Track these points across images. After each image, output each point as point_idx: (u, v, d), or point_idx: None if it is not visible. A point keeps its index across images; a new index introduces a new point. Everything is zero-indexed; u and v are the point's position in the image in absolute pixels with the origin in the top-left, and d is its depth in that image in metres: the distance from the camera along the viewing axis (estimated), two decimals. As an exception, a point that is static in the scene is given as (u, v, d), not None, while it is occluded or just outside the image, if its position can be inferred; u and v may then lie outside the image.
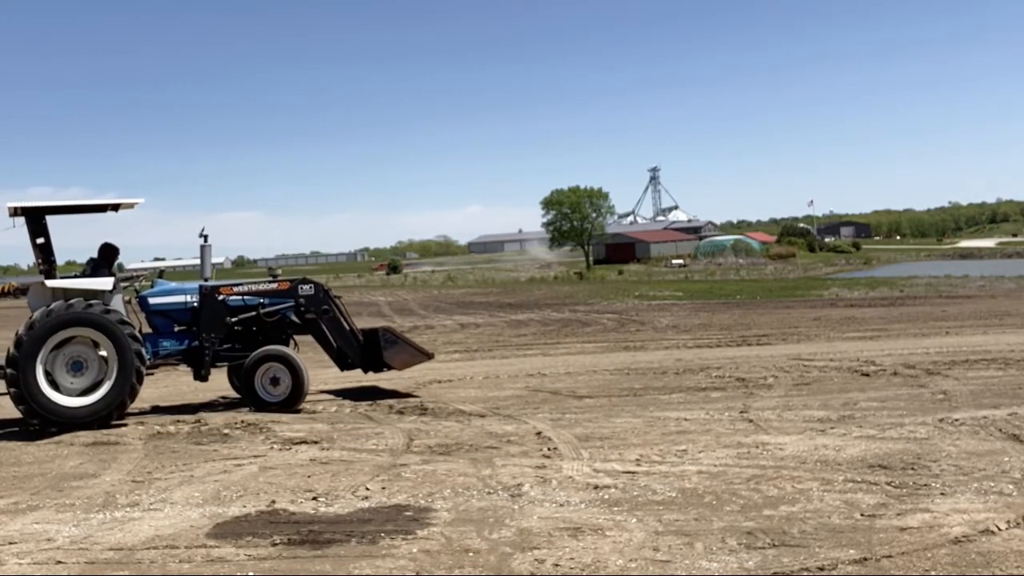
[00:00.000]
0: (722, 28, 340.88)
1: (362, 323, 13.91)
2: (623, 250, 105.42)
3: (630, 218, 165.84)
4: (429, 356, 12.71)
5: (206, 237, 11.98)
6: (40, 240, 10.92)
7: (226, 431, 9.52)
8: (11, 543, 5.77)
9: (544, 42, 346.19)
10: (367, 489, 6.83)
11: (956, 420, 8.69)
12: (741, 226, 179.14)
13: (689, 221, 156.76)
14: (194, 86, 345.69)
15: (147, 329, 11.49)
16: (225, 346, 11.54)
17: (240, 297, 11.73)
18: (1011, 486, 6.27)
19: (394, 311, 30.45)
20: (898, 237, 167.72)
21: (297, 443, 8.76)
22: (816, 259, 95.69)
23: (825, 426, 8.66)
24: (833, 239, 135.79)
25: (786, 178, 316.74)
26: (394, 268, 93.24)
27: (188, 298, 11.60)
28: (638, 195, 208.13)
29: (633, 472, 7.06)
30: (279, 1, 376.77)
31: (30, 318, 10.44)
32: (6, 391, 10.28)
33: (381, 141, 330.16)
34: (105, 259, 11.64)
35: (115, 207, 11.53)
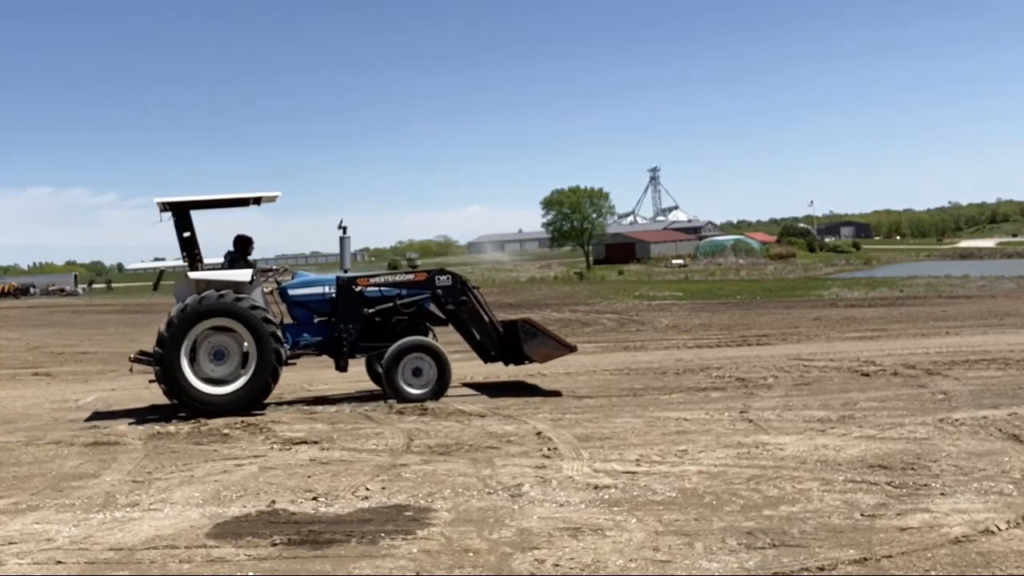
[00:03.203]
0: (722, 28, 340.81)
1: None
2: (623, 250, 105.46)
3: (630, 218, 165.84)
4: (572, 349, 12.42)
5: (344, 229, 12.09)
6: (186, 234, 11.28)
7: (226, 431, 9.52)
8: (11, 543, 5.76)
9: (544, 43, 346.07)
10: (367, 489, 6.83)
11: (956, 420, 8.69)
12: (741, 226, 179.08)
13: (689, 221, 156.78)
14: (194, 86, 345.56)
15: (288, 320, 11.67)
16: (363, 337, 11.58)
17: (377, 288, 11.80)
18: (1011, 486, 6.27)
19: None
20: (898, 237, 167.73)
21: (297, 443, 8.76)
22: (816, 259, 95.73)
23: (825, 426, 8.66)
24: (833, 239, 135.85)
25: (786, 178, 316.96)
26: (394, 268, 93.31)
27: (326, 289, 11.71)
28: (638, 195, 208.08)
29: (633, 472, 7.06)
30: (279, 2, 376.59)
31: (176, 309, 10.75)
32: (156, 379, 10.71)
33: (381, 141, 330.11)
34: (240, 250, 11.86)
35: (256, 200, 11.79)
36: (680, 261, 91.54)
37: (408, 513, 6.16)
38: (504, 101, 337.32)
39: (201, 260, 11.41)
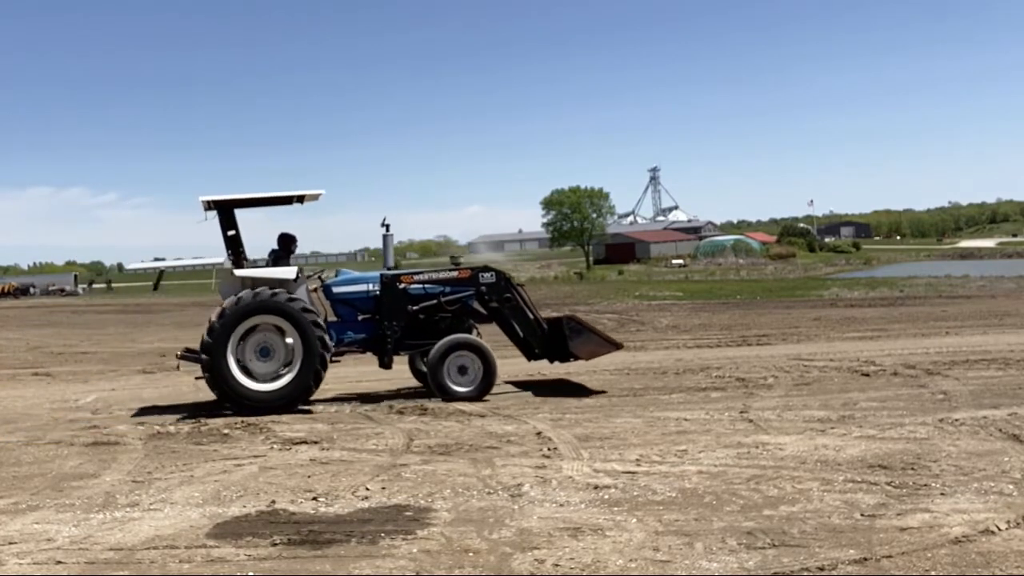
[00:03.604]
0: (722, 28, 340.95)
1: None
2: (623, 250, 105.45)
3: (630, 218, 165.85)
4: (618, 346, 12.43)
5: (388, 227, 12.13)
6: (231, 232, 11.38)
7: (226, 431, 9.51)
8: (11, 543, 5.76)
9: (544, 43, 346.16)
10: (367, 489, 6.83)
11: (956, 420, 8.69)
12: (741, 226, 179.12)
13: (689, 221, 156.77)
14: (194, 86, 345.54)
15: (332, 317, 11.72)
16: (407, 335, 11.61)
17: (421, 285, 11.82)
18: (1011, 486, 6.27)
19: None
20: (898, 237, 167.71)
21: (297, 443, 8.76)
22: (816, 259, 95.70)
23: (825, 426, 8.66)
24: (833, 239, 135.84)
25: (786, 178, 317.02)
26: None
27: (370, 287, 11.76)
28: (638, 195, 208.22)
29: (633, 472, 7.06)
30: (280, 3, 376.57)
31: (221, 306, 10.82)
32: (202, 375, 10.82)
33: (381, 141, 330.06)
34: (284, 248, 11.94)
35: (300, 199, 11.84)
36: (680, 261, 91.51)
37: (408, 513, 6.16)
38: (504, 101, 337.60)
39: (246, 258, 11.52)
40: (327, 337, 10.85)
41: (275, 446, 8.68)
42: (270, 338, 10.87)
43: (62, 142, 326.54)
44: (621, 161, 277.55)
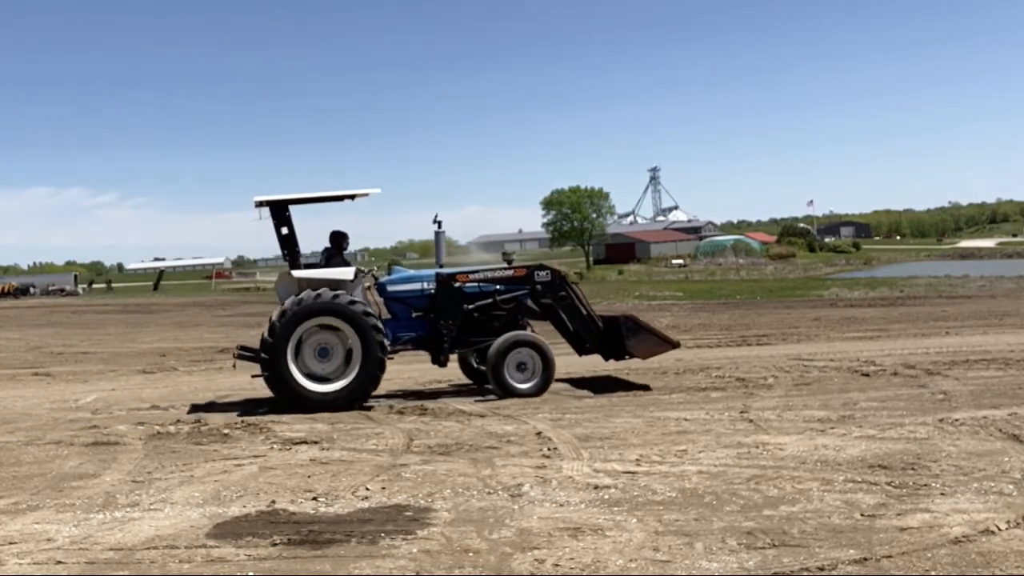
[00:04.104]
0: (722, 28, 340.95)
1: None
2: (623, 250, 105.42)
3: (630, 218, 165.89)
4: (675, 345, 12.48)
5: (440, 223, 12.19)
6: (284, 231, 11.42)
7: (226, 431, 9.51)
8: (11, 543, 5.76)
9: (544, 43, 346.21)
10: (367, 489, 6.83)
11: (956, 420, 8.69)
12: (741, 226, 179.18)
13: (689, 221, 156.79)
14: (194, 87, 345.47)
15: (386, 315, 11.80)
16: (462, 332, 11.70)
17: (476, 284, 11.89)
18: (1011, 486, 6.27)
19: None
20: (898, 237, 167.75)
21: (297, 443, 8.76)
22: (816, 259, 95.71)
23: (825, 426, 8.66)
24: (833, 239, 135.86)
25: (786, 178, 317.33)
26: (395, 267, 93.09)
27: (425, 285, 11.82)
28: (638, 195, 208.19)
29: (633, 472, 7.06)
30: (280, 3, 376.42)
31: (281, 306, 10.91)
32: (261, 374, 10.92)
33: (381, 141, 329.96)
34: (336, 247, 11.96)
35: (351, 197, 11.86)
36: (680, 261, 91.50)
37: (408, 513, 6.16)
38: (504, 101, 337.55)
39: (299, 257, 11.56)
40: (385, 341, 10.96)
41: (275, 446, 8.68)
42: (329, 339, 10.96)
43: (62, 142, 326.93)
44: (621, 161, 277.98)
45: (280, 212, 11.38)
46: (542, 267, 12.28)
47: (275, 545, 5.54)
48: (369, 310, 11.02)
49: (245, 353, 11.41)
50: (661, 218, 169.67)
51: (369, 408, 10.69)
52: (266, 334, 10.78)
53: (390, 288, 11.86)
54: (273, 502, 6.55)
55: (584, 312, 12.09)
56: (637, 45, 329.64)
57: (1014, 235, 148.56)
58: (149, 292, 75.85)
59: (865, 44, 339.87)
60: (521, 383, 11.14)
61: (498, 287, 11.87)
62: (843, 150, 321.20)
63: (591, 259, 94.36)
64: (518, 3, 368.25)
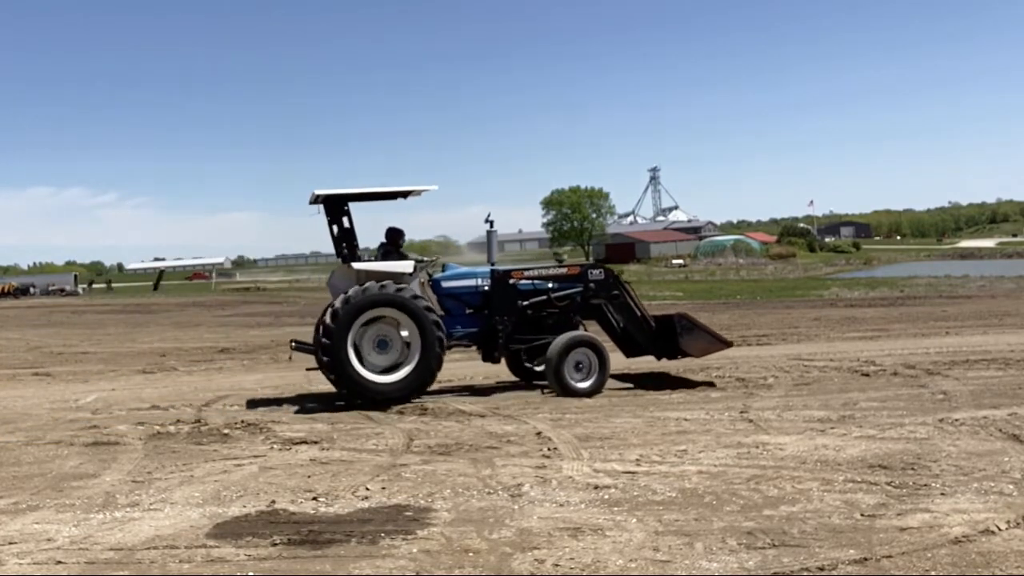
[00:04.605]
0: (722, 28, 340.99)
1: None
2: (623, 250, 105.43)
3: (630, 218, 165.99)
4: (728, 344, 12.61)
5: (492, 222, 12.28)
6: (346, 225, 11.55)
7: (226, 431, 9.51)
8: (11, 543, 5.76)
9: (544, 43, 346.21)
10: (367, 489, 6.83)
11: (956, 420, 8.69)
12: (741, 226, 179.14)
13: (689, 221, 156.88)
14: (194, 87, 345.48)
15: (439, 311, 11.82)
16: (516, 330, 11.81)
17: (531, 281, 11.99)
18: (1011, 486, 6.27)
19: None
20: (898, 237, 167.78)
21: (297, 443, 8.75)
22: (816, 259, 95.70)
23: (825, 426, 8.66)
24: (833, 239, 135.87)
25: (786, 178, 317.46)
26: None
27: (479, 282, 11.97)
28: (638, 195, 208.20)
29: (633, 472, 7.06)
30: (281, 3, 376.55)
31: (344, 295, 10.97)
32: (316, 366, 11.21)
33: (380, 141, 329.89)
34: (392, 242, 12.09)
35: (405, 194, 12.03)
36: (680, 261, 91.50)
37: (408, 513, 6.16)
38: (504, 101, 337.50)
39: (358, 250, 11.65)
40: (444, 335, 11.06)
41: (275, 446, 8.68)
42: (386, 331, 11.07)
43: (62, 142, 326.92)
44: (621, 161, 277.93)
45: (339, 206, 11.50)
46: (596, 265, 12.50)
47: (275, 545, 5.54)
48: (430, 305, 11.14)
49: (304, 345, 11.51)
50: (661, 218, 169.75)
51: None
52: (328, 321, 10.84)
53: (444, 284, 11.99)
54: (273, 502, 6.55)
55: (637, 312, 12.22)
56: (637, 45, 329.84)
57: (1014, 235, 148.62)
58: (149, 292, 75.89)
59: (865, 44, 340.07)
60: (579, 382, 11.23)
61: (552, 285, 12.01)
62: (843, 150, 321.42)
63: (591, 259, 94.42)
64: (518, 3, 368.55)
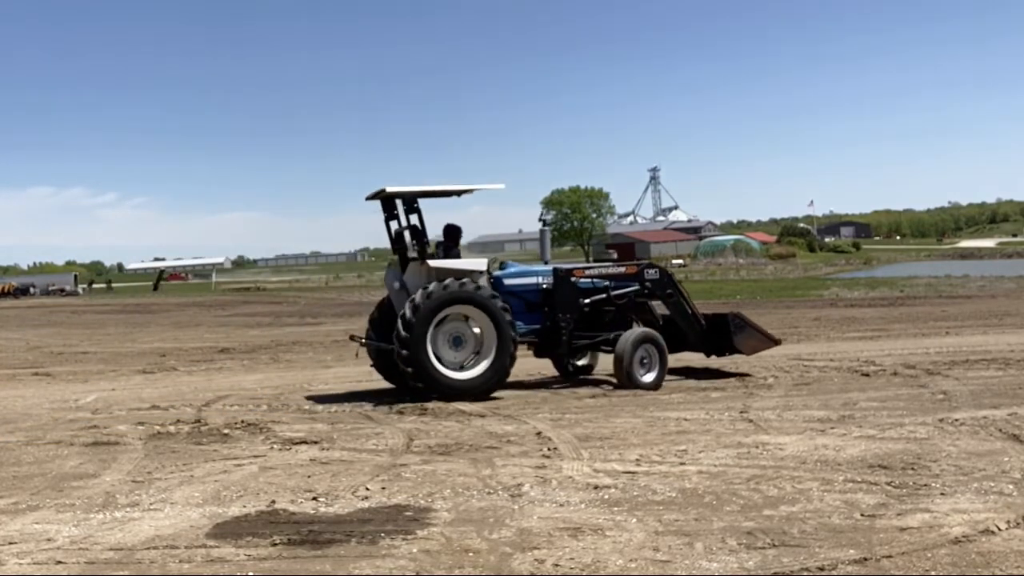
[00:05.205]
0: (722, 29, 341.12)
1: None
2: (623, 250, 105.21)
3: (630, 218, 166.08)
4: (777, 342, 13.06)
5: (545, 221, 12.75)
6: (414, 223, 11.68)
7: (226, 431, 9.51)
8: (11, 543, 5.76)
9: (545, 43, 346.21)
10: (367, 489, 6.83)
11: (956, 420, 8.69)
12: (741, 226, 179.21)
13: (689, 221, 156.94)
14: (195, 87, 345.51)
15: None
16: (576, 327, 12.05)
17: (591, 280, 12.29)
18: (1011, 486, 6.27)
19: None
20: (898, 237, 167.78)
21: (297, 443, 8.75)
22: (816, 259, 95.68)
23: (825, 426, 8.66)
24: (833, 239, 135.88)
25: (786, 178, 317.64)
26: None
27: (540, 280, 12.18)
28: (638, 195, 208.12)
29: (633, 472, 7.06)
30: (281, 5, 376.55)
31: (425, 290, 11.03)
32: (372, 363, 11.63)
33: (380, 141, 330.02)
34: (452, 239, 12.24)
35: (468, 191, 12.31)
36: (680, 261, 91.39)
37: (408, 513, 6.16)
38: (504, 101, 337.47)
39: (428, 248, 11.72)
40: (516, 334, 11.22)
41: (275, 446, 8.68)
42: (460, 328, 11.19)
43: (62, 142, 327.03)
44: (621, 161, 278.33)
45: (410, 204, 11.62)
46: (652, 265, 12.87)
47: (275, 545, 5.54)
48: (505, 303, 11.24)
49: (370, 340, 11.62)
50: (661, 218, 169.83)
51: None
52: (409, 315, 10.87)
53: (507, 282, 12.12)
54: (273, 502, 6.55)
55: (689, 310, 12.57)
56: (637, 45, 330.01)
57: (1014, 235, 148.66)
58: (149, 292, 75.88)
59: (865, 45, 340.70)
60: (643, 376, 11.59)
61: (611, 283, 12.27)
62: (843, 150, 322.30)
63: (591, 259, 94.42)
64: (518, 3, 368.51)
